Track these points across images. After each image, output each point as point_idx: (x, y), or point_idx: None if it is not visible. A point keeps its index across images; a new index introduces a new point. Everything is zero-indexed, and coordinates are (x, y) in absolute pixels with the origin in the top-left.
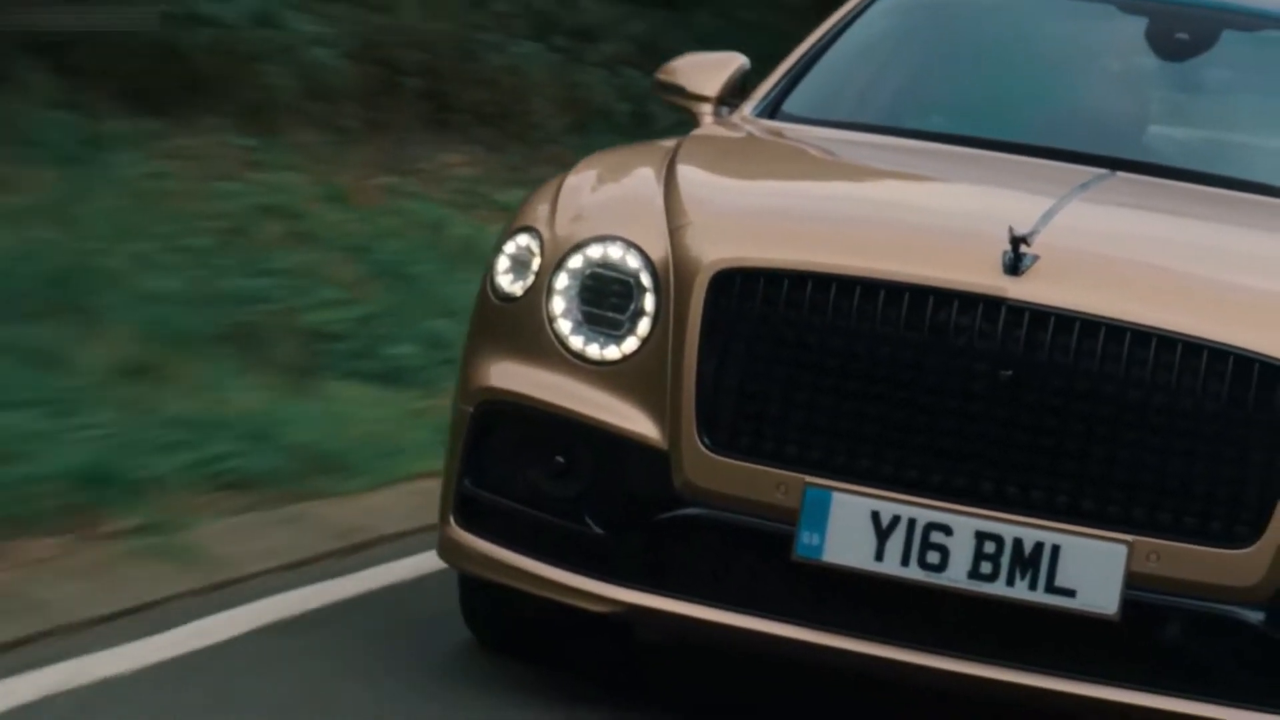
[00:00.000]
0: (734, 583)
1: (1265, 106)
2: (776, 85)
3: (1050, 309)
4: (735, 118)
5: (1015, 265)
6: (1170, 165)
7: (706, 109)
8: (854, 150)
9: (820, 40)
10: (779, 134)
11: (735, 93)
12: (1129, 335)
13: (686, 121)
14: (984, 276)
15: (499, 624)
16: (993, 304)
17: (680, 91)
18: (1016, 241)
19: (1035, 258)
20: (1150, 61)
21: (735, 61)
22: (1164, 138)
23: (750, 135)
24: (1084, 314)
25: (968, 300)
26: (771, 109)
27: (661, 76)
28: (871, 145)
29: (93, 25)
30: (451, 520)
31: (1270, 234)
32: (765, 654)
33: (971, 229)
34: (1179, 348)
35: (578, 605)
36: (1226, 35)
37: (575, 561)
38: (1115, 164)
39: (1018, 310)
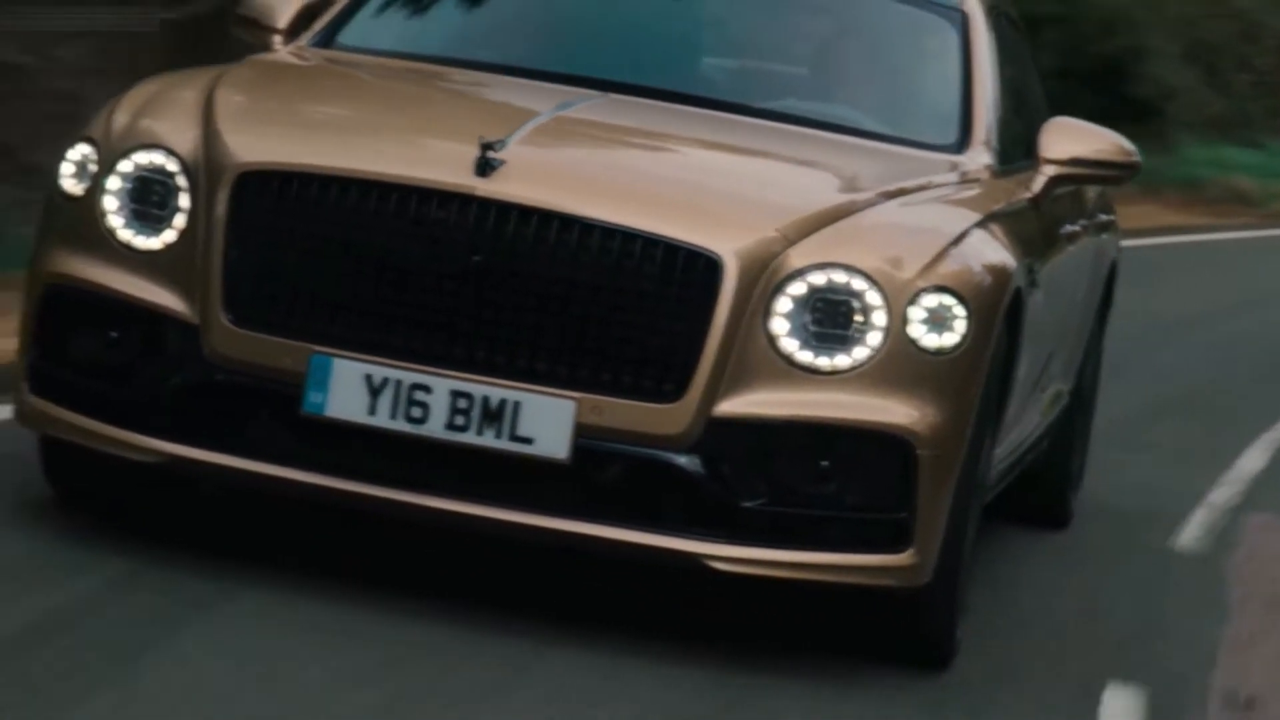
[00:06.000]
0: (253, 435)
1: (757, 38)
2: (333, 19)
3: (512, 204)
4: (292, 47)
5: (484, 168)
6: (660, 88)
7: (278, 40)
8: (383, 74)
9: None
10: (329, 60)
11: (306, 25)
12: (578, 226)
13: None
14: (457, 177)
15: (76, 481)
16: (464, 200)
17: (254, 24)
18: (485, 147)
19: (502, 162)
20: None
21: None
22: (663, 63)
23: (297, 61)
24: (540, 208)
25: (444, 197)
26: (326, 40)
27: (240, 11)
28: (400, 70)
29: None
30: (25, 388)
31: (732, 149)
32: (281, 496)
33: (453, 138)
34: (618, 237)
35: (128, 457)
36: None
37: (125, 420)
38: (611, 87)
39: (485, 205)
